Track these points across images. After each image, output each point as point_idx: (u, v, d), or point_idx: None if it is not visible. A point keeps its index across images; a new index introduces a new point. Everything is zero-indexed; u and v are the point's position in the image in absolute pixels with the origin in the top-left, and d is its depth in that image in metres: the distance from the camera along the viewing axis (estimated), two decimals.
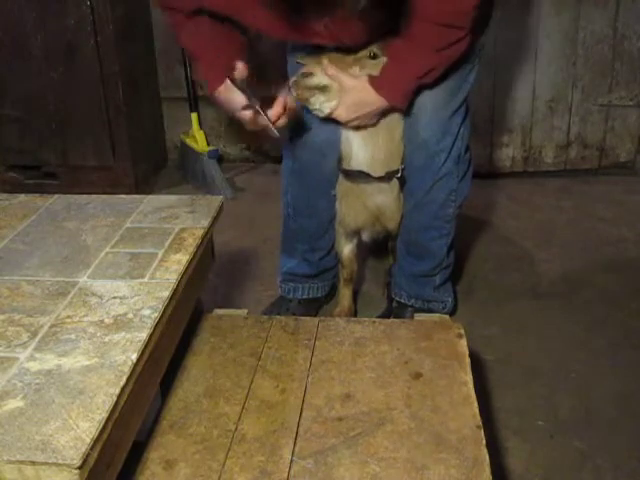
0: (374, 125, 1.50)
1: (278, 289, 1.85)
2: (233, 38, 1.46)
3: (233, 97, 1.41)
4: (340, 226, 1.70)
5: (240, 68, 1.39)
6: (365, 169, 1.55)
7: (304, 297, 1.83)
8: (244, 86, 1.39)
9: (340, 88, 1.43)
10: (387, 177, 1.57)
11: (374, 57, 1.42)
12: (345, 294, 1.82)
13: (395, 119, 1.51)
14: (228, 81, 1.41)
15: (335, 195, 1.65)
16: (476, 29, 1.41)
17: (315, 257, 1.77)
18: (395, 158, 1.56)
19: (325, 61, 1.44)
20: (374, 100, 1.43)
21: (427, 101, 1.48)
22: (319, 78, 1.44)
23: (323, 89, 1.45)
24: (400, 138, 1.54)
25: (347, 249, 1.75)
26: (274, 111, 1.38)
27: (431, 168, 1.55)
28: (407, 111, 1.50)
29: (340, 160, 1.58)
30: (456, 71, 1.47)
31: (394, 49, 1.40)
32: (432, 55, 1.37)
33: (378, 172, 1.56)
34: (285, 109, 1.40)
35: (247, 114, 1.41)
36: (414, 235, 1.67)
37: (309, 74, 1.45)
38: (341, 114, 1.46)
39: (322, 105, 1.47)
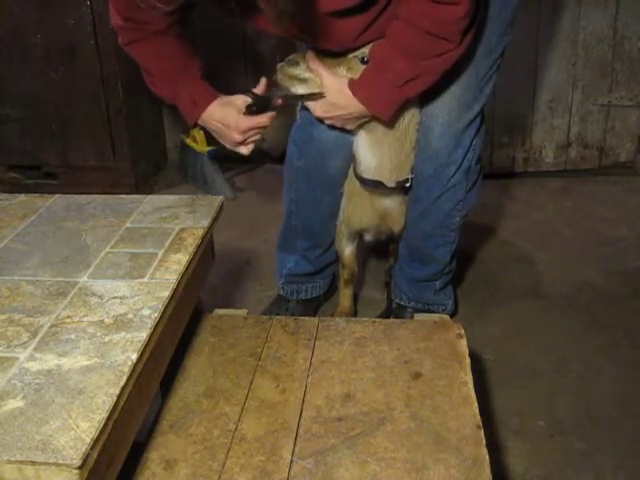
0: (382, 134, 1.47)
1: (279, 290, 1.85)
2: (194, 58, 1.46)
3: (233, 101, 1.42)
4: (344, 226, 1.70)
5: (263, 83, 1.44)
6: (377, 177, 1.54)
7: (303, 298, 1.84)
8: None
9: (321, 83, 1.40)
10: (398, 187, 1.56)
11: (366, 62, 1.37)
12: (345, 294, 1.82)
13: (405, 130, 1.49)
14: (221, 96, 1.43)
15: (342, 193, 1.65)
16: (494, 41, 1.40)
17: (315, 254, 1.77)
18: (404, 168, 1.54)
19: (310, 53, 1.41)
20: (348, 104, 1.38)
21: (441, 112, 1.46)
22: (301, 70, 1.42)
23: (303, 81, 1.42)
24: (411, 149, 1.52)
25: (348, 250, 1.75)
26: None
27: (440, 179, 1.53)
28: (421, 122, 1.48)
29: (354, 164, 1.57)
30: (473, 82, 1.45)
31: (375, 51, 1.34)
32: (413, 62, 1.29)
33: (389, 182, 1.54)
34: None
35: (246, 121, 1.41)
36: (418, 242, 1.66)
37: (294, 63, 1.43)
38: (315, 109, 1.43)
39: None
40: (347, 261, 1.76)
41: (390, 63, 1.31)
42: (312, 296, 1.85)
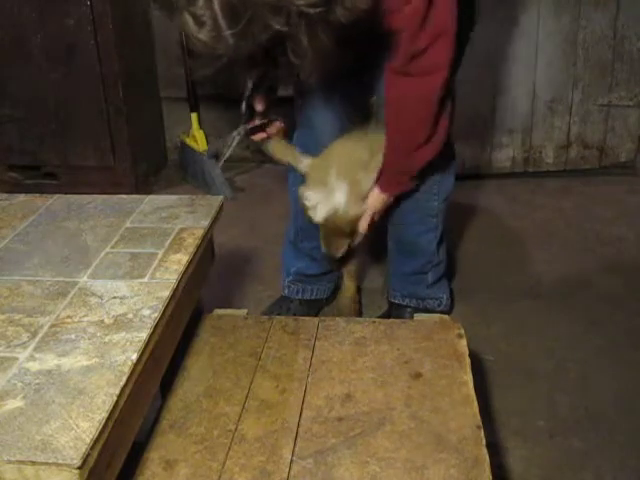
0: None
1: (284, 289, 1.84)
2: None
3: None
4: None
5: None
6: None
7: (307, 298, 1.84)
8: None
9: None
10: None
11: None
12: (350, 286, 1.81)
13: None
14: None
15: None
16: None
17: (322, 253, 1.77)
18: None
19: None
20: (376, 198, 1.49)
21: None
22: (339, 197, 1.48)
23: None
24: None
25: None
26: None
27: None
28: None
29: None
30: None
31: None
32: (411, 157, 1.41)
33: None
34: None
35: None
36: (401, 231, 1.68)
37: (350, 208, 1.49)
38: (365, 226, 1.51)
39: None
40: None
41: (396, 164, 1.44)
42: (316, 297, 1.84)
